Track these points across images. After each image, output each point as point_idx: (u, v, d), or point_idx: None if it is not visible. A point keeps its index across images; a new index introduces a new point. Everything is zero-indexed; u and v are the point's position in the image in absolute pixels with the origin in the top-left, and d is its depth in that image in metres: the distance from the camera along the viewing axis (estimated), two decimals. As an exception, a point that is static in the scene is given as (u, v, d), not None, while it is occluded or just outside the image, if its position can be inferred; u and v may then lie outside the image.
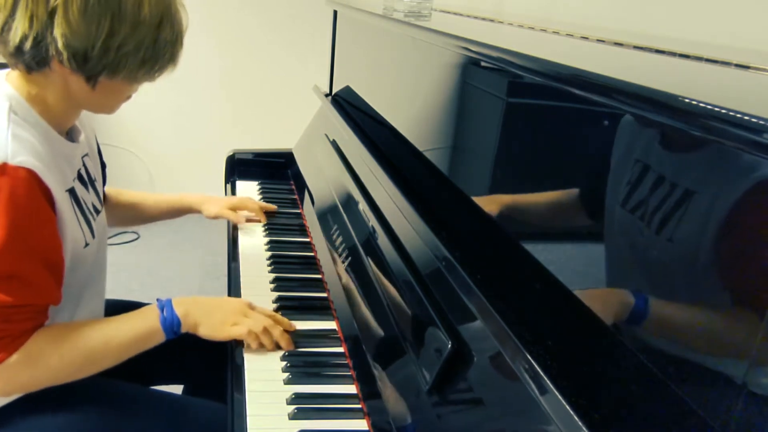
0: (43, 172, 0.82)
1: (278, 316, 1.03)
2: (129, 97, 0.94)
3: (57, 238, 0.87)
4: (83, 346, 0.89)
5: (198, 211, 1.40)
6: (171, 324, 0.94)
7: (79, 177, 0.97)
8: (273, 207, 1.49)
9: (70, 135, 0.98)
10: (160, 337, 0.94)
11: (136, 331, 0.93)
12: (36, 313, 0.87)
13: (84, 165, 1.00)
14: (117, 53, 0.81)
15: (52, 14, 0.78)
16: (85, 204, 0.97)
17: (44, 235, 0.85)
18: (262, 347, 0.97)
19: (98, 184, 1.07)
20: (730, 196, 0.47)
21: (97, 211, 1.03)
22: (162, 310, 0.95)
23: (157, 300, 0.97)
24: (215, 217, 1.40)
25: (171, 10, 0.86)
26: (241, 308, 0.99)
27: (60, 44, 0.79)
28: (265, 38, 3.31)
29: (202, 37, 3.14)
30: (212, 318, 0.96)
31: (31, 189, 0.81)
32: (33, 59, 0.82)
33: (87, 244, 0.95)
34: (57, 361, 0.87)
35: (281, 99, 3.35)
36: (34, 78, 0.86)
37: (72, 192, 0.92)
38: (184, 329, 0.96)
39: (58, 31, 0.79)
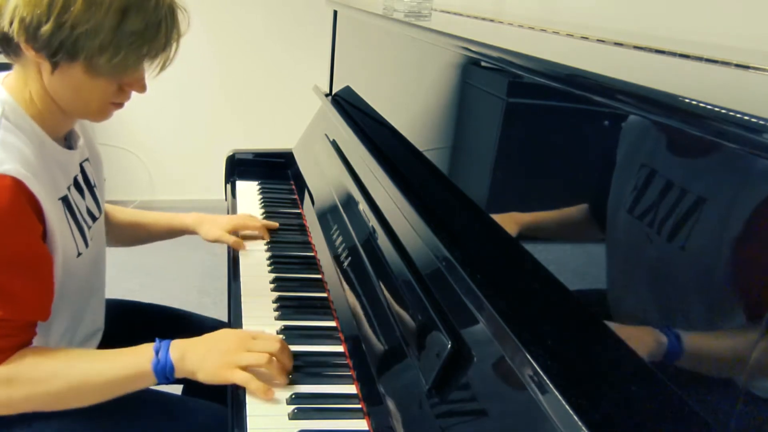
0: (30, 180, 0.80)
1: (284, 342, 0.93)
2: (120, 105, 0.91)
3: (44, 249, 0.84)
4: (63, 378, 0.85)
5: (194, 233, 1.32)
6: (163, 368, 0.86)
7: (75, 184, 0.95)
8: (275, 225, 1.40)
9: (69, 141, 0.96)
10: (151, 381, 0.87)
11: (124, 370, 0.86)
12: (18, 329, 0.84)
13: (82, 171, 0.98)
14: (71, 32, 0.79)
15: None
16: (80, 212, 0.95)
17: (28, 245, 0.82)
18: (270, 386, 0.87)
19: (98, 190, 1.05)
20: (747, 202, 0.46)
21: (95, 218, 1.01)
22: (157, 353, 0.87)
23: (156, 339, 0.90)
24: (215, 241, 1.31)
25: (147, 1, 0.82)
26: (242, 342, 0.90)
27: (9, 14, 0.78)
28: (265, 38, 3.31)
29: (202, 37, 3.14)
30: (210, 361, 0.88)
31: (15, 198, 0.79)
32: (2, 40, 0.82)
33: (80, 254, 0.93)
34: (33, 388, 0.83)
35: (281, 99, 3.35)
36: (19, 72, 0.86)
37: (65, 200, 0.90)
38: (178, 375, 0.88)
39: (11, 2, 0.78)
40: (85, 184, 0.99)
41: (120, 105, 0.91)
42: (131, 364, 0.87)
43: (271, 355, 0.88)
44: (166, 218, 1.32)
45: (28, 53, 0.82)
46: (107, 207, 1.24)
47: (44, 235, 0.86)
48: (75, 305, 0.97)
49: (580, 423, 0.53)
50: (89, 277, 0.99)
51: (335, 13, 1.76)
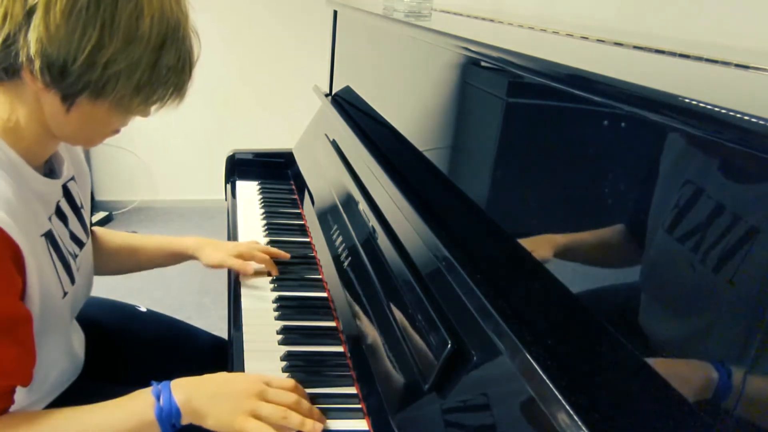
0: (11, 227, 0.69)
1: (300, 388, 0.85)
2: (116, 131, 0.82)
3: (23, 308, 0.73)
4: None
5: (194, 257, 1.22)
6: (169, 415, 0.76)
7: (58, 211, 0.85)
8: (286, 255, 1.25)
9: (51, 164, 0.87)
10: None
11: (124, 427, 0.75)
12: None
13: (67, 194, 0.89)
14: (104, 71, 0.69)
15: (29, 14, 0.66)
16: (64, 245, 0.85)
17: (8, 306, 0.70)
18: None
19: (84, 211, 0.94)
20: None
21: (81, 244, 0.92)
22: (158, 398, 0.77)
23: (152, 383, 0.80)
24: (217, 266, 1.19)
25: (178, 33, 0.74)
26: (256, 389, 0.81)
27: (33, 50, 0.67)
28: (265, 38, 3.32)
29: (201, 37, 3.14)
30: (221, 406, 0.78)
31: None
32: (1, 65, 0.70)
33: (65, 293, 0.84)
34: None
35: (281, 99, 3.36)
36: (5, 92, 0.74)
37: (49, 235, 0.80)
38: (185, 421, 0.78)
39: (33, 35, 0.66)
40: (70, 207, 0.90)
41: (118, 132, 0.83)
42: (131, 418, 0.76)
43: (288, 407, 0.81)
44: (163, 242, 1.22)
45: (33, 85, 0.71)
46: (97, 231, 1.14)
47: (23, 286, 0.75)
48: (60, 341, 0.89)
49: (580, 423, 0.53)
50: (74, 311, 0.92)
51: (335, 13, 1.76)
